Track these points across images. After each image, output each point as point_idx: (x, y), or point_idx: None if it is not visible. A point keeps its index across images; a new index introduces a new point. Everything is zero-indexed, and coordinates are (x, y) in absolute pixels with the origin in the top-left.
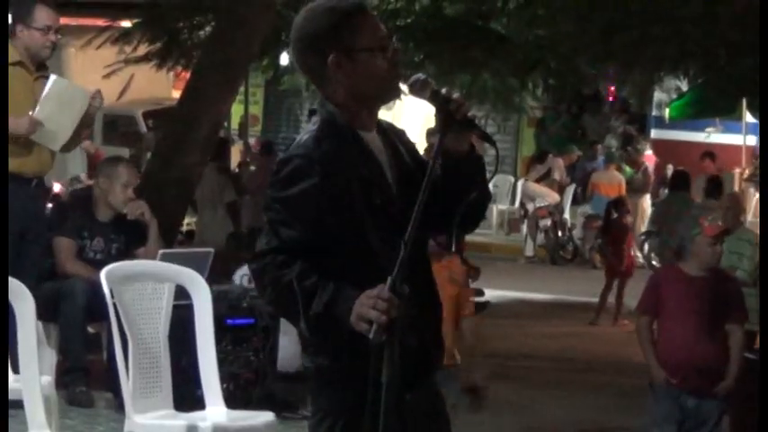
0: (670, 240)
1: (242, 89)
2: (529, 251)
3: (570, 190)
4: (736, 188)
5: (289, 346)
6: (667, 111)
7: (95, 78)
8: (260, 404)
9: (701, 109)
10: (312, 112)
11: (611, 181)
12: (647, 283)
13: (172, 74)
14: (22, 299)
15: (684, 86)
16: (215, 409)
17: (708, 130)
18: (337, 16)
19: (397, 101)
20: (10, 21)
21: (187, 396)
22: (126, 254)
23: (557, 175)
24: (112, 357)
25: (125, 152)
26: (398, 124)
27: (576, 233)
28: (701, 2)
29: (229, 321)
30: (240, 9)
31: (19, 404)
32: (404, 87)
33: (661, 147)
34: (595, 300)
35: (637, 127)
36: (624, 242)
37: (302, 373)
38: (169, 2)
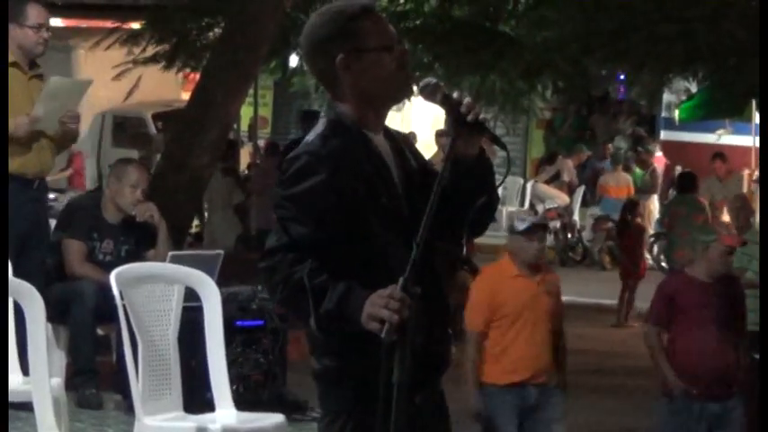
0: (679, 243)
1: (251, 91)
2: None
3: (580, 191)
4: (746, 190)
5: None
6: (677, 112)
7: (104, 80)
8: (270, 406)
9: (710, 110)
10: (305, 114)
11: (619, 182)
12: (657, 294)
13: (181, 75)
14: (31, 301)
15: (694, 88)
16: (225, 411)
17: (718, 132)
18: (345, 18)
19: (407, 102)
20: None
21: (197, 398)
22: (135, 256)
23: (566, 177)
24: (122, 359)
25: (134, 154)
26: (408, 126)
27: (586, 235)
28: (710, 3)
29: (239, 323)
30: (249, 11)
31: (29, 406)
32: (415, 91)
33: (670, 148)
34: (604, 301)
35: (646, 128)
36: (639, 245)
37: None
38: (177, 4)
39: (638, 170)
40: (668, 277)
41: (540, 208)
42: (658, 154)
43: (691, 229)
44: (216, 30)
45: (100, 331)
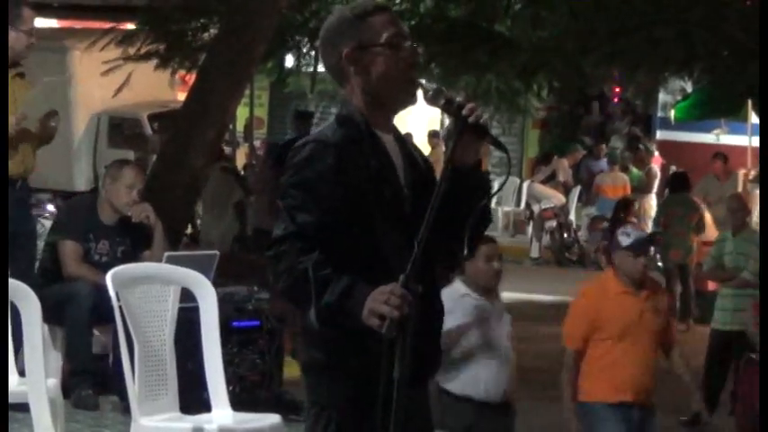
0: (674, 242)
1: (247, 92)
2: (534, 252)
3: (576, 191)
4: (741, 189)
5: None
6: (673, 112)
7: (100, 81)
8: (266, 406)
9: (706, 110)
10: (298, 114)
11: (616, 182)
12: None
13: (177, 76)
14: (27, 302)
15: (689, 88)
16: (221, 411)
17: (716, 132)
18: (355, 14)
19: None
20: None
21: (193, 399)
22: (131, 257)
23: (561, 177)
24: (118, 360)
25: (130, 155)
26: (404, 127)
27: (582, 235)
28: (706, 3)
29: (235, 324)
30: (245, 12)
31: (25, 407)
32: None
33: (666, 148)
34: None
35: (642, 128)
36: None
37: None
38: (172, 4)
39: (634, 170)
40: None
41: (536, 208)
42: (655, 154)
43: (686, 229)
44: (211, 30)
45: (96, 332)
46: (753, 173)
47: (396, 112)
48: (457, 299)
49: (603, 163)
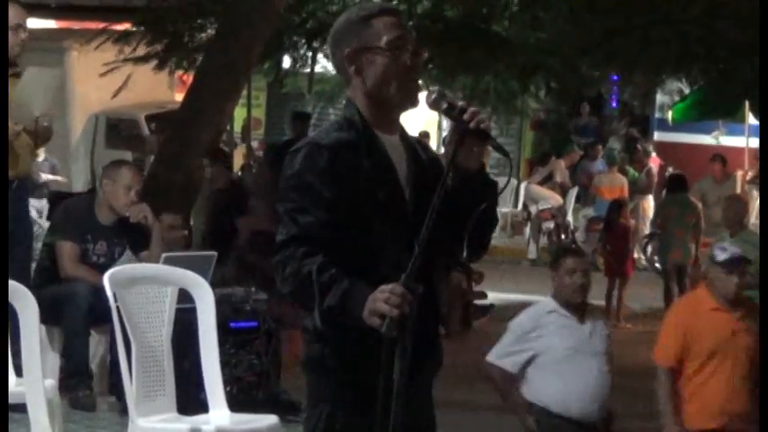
0: (673, 243)
1: (245, 92)
2: (532, 254)
3: (573, 192)
4: (739, 190)
5: None
6: (670, 113)
7: (98, 82)
8: (263, 407)
9: (703, 111)
10: (295, 115)
11: (613, 183)
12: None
13: (175, 77)
14: (25, 303)
15: (687, 89)
16: (218, 412)
17: (714, 133)
18: (360, 16)
19: None
20: None
21: (190, 399)
22: (129, 257)
23: (558, 178)
24: (116, 361)
25: (128, 156)
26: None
27: (579, 236)
28: (702, 4)
29: (233, 324)
30: (242, 12)
31: (22, 408)
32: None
33: (664, 149)
34: (599, 302)
35: (639, 129)
36: (624, 244)
37: None
38: (170, 5)
39: (632, 171)
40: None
41: (533, 209)
42: (652, 155)
43: (684, 229)
44: (209, 31)
45: (93, 333)
46: (750, 174)
47: (398, 113)
48: (543, 315)
49: (600, 164)
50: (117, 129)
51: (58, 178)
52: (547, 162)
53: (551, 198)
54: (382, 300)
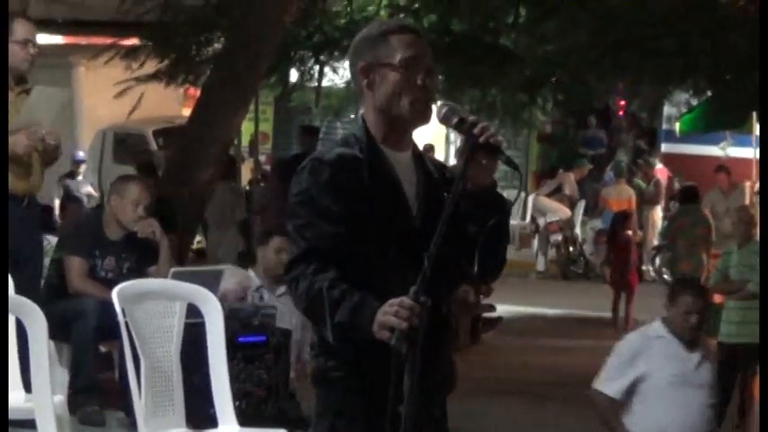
0: (684, 254)
1: (252, 107)
2: (540, 266)
3: (581, 205)
4: (747, 201)
5: None
6: (677, 125)
7: (105, 97)
8: (272, 421)
9: (711, 123)
10: (303, 129)
11: (621, 195)
12: None
13: (182, 91)
14: (33, 318)
15: (694, 100)
16: (227, 427)
17: (722, 144)
18: (377, 31)
19: None
20: None
21: (200, 414)
22: (137, 272)
23: (567, 190)
24: (124, 376)
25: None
26: None
27: (587, 248)
28: (709, 16)
29: (241, 339)
30: (249, 26)
31: (31, 423)
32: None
33: (672, 161)
34: (606, 314)
35: (647, 141)
36: (627, 256)
37: None
38: (176, 19)
39: (640, 182)
40: None
41: (541, 221)
42: (659, 166)
43: (695, 241)
44: (216, 45)
45: (102, 348)
46: (758, 185)
47: (408, 130)
48: (650, 339)
49: (608, 176)
50: (124, 144)
51: (94, 193)
52: (555, 174)
53: (559, 210)
54: (391, 313)
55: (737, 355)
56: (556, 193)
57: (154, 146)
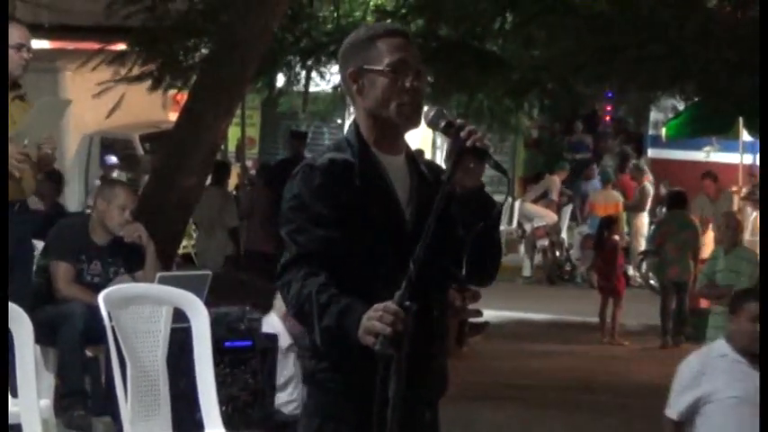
0: (672, 260)
1: (239, 111)
2: (527, 271)
3: (568, 210)
4: (735, 207)
5: None
6: (664, 130)
7: (91, 102)
8: (259, 426)
9: (697, 128)
10: (292, 134)
11: (608, 200)
12: None
13: (168, 96)
14: (19, 323)
15: (681, 106)
16: (214, 431)
17: (706, 149)
18: (365, 36)
19: None
20: None
21: (186, 419)
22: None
23: (554, 195)
24: (111, 381)
25: (122, 175)
26: None
27: (574, 253)
28: (697, 21)
29: (227, 344)
30: (236, 31)
31: (18, 428)
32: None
33: (658, 166)
34: (593, 319)
35: (633, 146)
36: (613, 261)
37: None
38: (162, 25)
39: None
40: None
41: (527, 227)
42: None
43: (682, 246)
44: (202, 50)
45: (88, 353)
46: (744, 190)
47: (400, 134)
48: (714, 358)
49: (595, 183)
50: (111, 148)
51: None
52: (541, 180)
53: (546, 216)
54: (375, 318)
55: None
56: (542, 198)
57: (140, 151)
